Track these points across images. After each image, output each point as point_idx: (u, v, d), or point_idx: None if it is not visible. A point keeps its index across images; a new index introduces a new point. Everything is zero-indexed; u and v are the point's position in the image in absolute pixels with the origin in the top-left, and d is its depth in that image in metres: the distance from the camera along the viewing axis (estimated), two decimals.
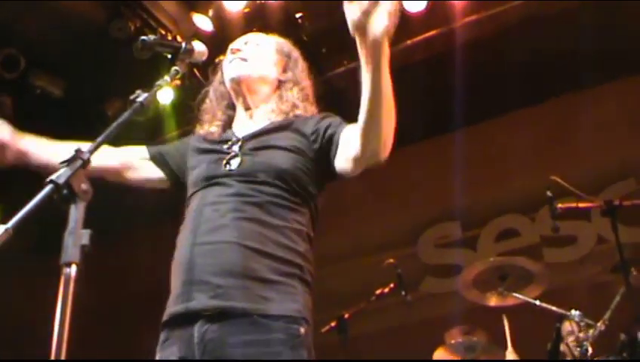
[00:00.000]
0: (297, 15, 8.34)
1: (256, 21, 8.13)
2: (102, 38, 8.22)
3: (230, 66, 3.61)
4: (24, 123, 8.80)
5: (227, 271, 3.04)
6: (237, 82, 3.56)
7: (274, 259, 3.10)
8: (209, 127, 3.65)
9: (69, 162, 2.31)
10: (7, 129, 3.46)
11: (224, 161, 3.38)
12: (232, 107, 3.70)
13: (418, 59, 8.53)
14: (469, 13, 8.12)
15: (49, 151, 3.50)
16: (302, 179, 3.29)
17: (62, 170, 2.28)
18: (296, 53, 3.82)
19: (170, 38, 8.46)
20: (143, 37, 3.23)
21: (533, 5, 8.02)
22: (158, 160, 3.63)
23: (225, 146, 3.45)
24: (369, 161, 3.16)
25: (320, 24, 8.48)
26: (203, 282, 3.05)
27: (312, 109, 3.62)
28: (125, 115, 2.79)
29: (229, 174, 3.31)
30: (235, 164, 3.34)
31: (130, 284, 9.78)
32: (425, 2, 8.02)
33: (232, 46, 3.67)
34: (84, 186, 2.28)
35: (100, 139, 2.56)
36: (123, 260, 9.65)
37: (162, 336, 3.16)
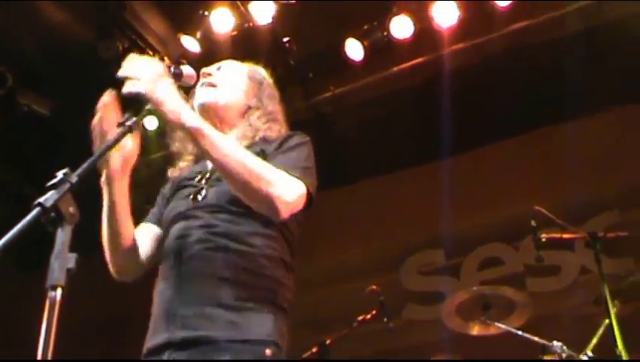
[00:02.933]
0: (285, 39, 8.38)
1: (244, 44, 8.16)
2: (90, 58, 8.21)
3: (199, 92, 3.61)
4: (10, 141, 8.80)
5: (195, 301, 3.05)
6: (205, 109, 3.53)
7: (243, 287, 3.09)
8: (179, 163, 3.67)
9: (56, 185, 2.30)
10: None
11: (192, 196, 3.39)
12: None
13: (404, 86, 8.57)
14: (456, 41, 8.16)
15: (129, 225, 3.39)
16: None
17: (49, 193, 2.27)
18: (268, 81, 3.83)
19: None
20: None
21: (520, 34, 8.07)
22: (157, 222, 3.61)
23: (195, 180, 3.46)
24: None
25: (307, 49, 8.52)
26: (172, 315, 3.07)
27: (279, 129, 3.62)
28: (113, 138, 2.79)
29: (197, 207, 3.31)
30: (201, 196, 3.36)
31: (121, 301, 9.72)
32: (412, 28, 8.07)
33: (204, 70, 3.67)
34: (71, 209, 2.27)
35: (88, 162, 2.55)
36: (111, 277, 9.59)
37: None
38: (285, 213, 3.13)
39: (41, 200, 2.25)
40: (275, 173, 3.16)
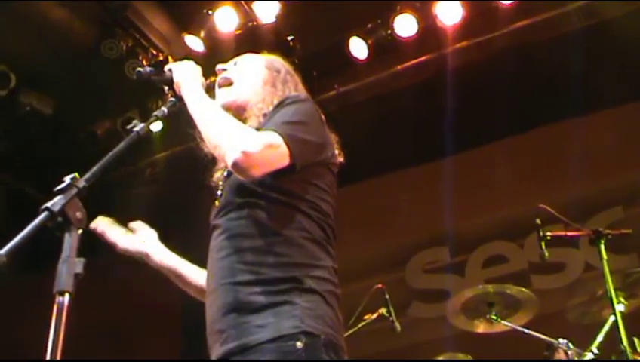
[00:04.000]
0: (289, 38, 8.38)
1: (248, 43, 8.15)
2: (93, 57, 8.23)
3: (218, 94, 3.59)
4: (12, 140, 8.81)
5: (226, 313, 3.03)
6: (225, 109, 3.46)
7: (265, 284, 3.01)
8: (214, 173, 3.63)
9: (63, 190, 2.31)
10: (154, 239, 3.80)
11: (215, 202, 3.42)
12: None
13: (408, 84, 8.57)
14: (459, 39, 8.16)
15: (190, 270, 3.75)
16: (266, 183, 3.14)
17: (57, 198, 2.28)
18: (286, 68, 3.75)
19: (161, 58, 8.47)
20: (139, 69, 3.28)
21: (523, 33, 8.07)
22: None
23: (221, 183, 3.47)
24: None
25: (311, 47, 8.52)
26: (214, 331, 3.08)
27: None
28: (121, 144, 2.81)
29: (217, 213, 3.31)
30: (218, 201, 3.39)
31: (130, 301, 9.74)
32: (415, 27, 8.07)
33: (219, 66, 3.67)
34: (78, 214, 2.28)
35: (96, 168, 2.55)
36: (124, 277, 9.62)
37: None
38: (246, 163, 3.01)
39: (48, 204, 2.25)
40: (242, 128, 3.16)
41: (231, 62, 3.72)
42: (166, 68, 3.42)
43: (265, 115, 3.41)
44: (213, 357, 3.08)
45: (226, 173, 3.43)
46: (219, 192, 3.43)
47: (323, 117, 3.41)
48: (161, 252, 3.74)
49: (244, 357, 2.92)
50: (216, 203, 3.38)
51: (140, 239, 3.76)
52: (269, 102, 3.48)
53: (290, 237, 3.12)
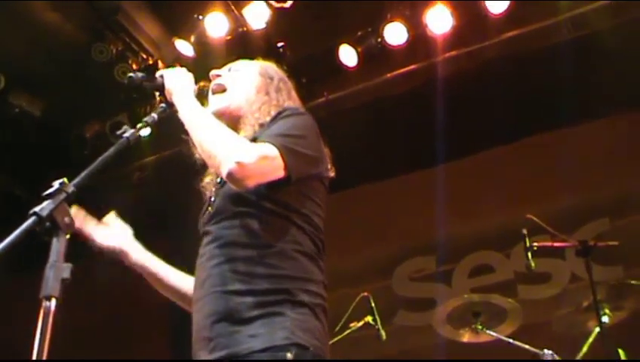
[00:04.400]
0: (279, 44, 8.38)
1: (238, 48, 8.16)
2: (83, 60, 8.23)
3: (211, 100, 3.58)
4: (1, 141, 8.78)
5: (215, 321, 3.02)
6: (219, 115, 3.46)
7: (256, 294, 3.01)
8: (204, 178, 3.63)
9: (52, 195, 2.31)
10: (129, 236, 3.72)
11: (206, 208, 3.41)
12: None
13: (397, 92, 8.58)
14: (450, 48, 8.18)
15: (169, 273, 3.72)
16: (261, 194, 3.14)
17: (45, 203, 2.28)
18: (279, 76, 3.75)
19: (151, 62, 8.48)
20: (131, 74, 3.30)
21: (513, 42, 8.10)
22: None
23: (214, 190, 3.44)
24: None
25: (301, 54, 8.53)
26: (201, 338, 3.07)
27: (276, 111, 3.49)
28: (111, 150, 2.82)
29: (209, 220, 3.31)
30: (211, 207, 3.36)
31: (119, 301, 9.72)
32: (405, 35, 8.09)
33: (213, 72, 3.67)
34: (66, 219, 2.28)
35: (85, 173, 2.56)
36: (112, 277, 9.60)
37: None
38: (240, 174, 3.02)
39: (36, 209, 2.26)
40: (236, 138, 3.18)
41: (225, 68, 3.72)
42: (158, 74, 3.41)
43: (261, 125, 3.40)
44: None
45: (218, 180, 3.41)
46: (211, 198, 3.41)
47: (318, 131, 3.41)
48: (138, 250, 3.68)
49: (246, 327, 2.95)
50: (209, 209, 3.36)
51: (114, 234, 3.67)
52: (265, 112, 3.48)
53: (283, 249, 3.13)
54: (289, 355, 2.89)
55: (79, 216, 3.50)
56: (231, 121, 3.47)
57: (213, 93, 3.59)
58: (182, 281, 3.60)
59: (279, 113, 3.39)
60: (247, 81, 3.62)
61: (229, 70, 3.70)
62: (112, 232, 3.67)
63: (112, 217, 3.75)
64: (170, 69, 3.46)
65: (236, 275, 3.07)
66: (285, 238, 3.15)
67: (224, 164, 3.02)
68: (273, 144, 3.08)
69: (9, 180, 9.74)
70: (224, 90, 3.58)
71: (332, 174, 3.51)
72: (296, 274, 3.10)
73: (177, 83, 3.37)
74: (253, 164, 3.01)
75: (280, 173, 3.09)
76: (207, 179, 3.60)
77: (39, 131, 9.25)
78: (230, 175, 3.02)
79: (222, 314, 3.01)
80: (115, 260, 3.62)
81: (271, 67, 3.80)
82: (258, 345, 2.91)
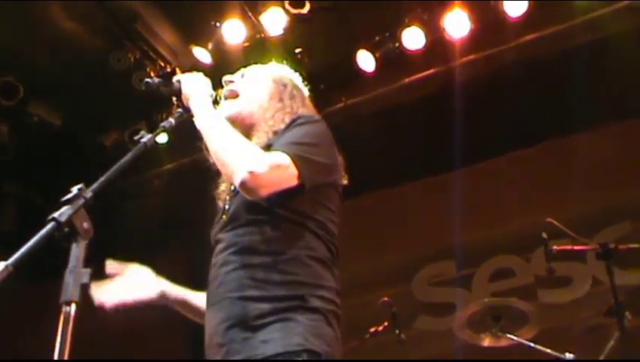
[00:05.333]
0: (297, 50, 8.38)
1: (255, 55, 8.16)
2: (101, 69, 8.25)
3: (223, 106, 3.58)
4: (20, 151, 8.83)
5: (229, 327, 3.04)
6: (230, 121, 3.45)
7: (271, 301, 3.02)
8: (218, 186, 3.64)
9: (70, 200, 2.31)
10: (152, 276, 3.70)
11: (221, 213, 3.42)
12: None
13: (415, 97, 8.58)
14: (467, 52, 8.17)
15: (198, 298, 3.66)
16: (276, 202, 3.14)
17: (64, 208, 2.28)
18: (293, 82, 3.75)
19: (169, 70, 8.49)
20: (148, 79, 3.28)
21: (531, 46, 8.08)
22: None
23: (228, 198, 3.44)
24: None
25: (319, 60, 8.52)
26: (214, 345, 3.09)
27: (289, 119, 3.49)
28: (128, 155, 2.81)
29: (223, 227, 3.31)
30: (226, 214, 3.36)
31: (128, 310, 9.71)
32: (423, 40, 8.08)
33: (226, 78, 3.67)
34: (85, 225, 2.28)
35: (103, 178, 2.56)
36: None
37: None
38: (252, 183, 3.03)
39: (55, 215, 2.26)
40: (250, 147, 3.17)
41: (238, 74, 3.73)
42: (175, 79, 3.40)
43: (275, 133, 3.40)
44: None
45: (232, 188, 3.39)
46: (226, 206, 3.40)
47: (332, 138, 3.41)
48: (171, 288, 3.69)
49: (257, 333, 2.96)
50: (223, 217, 3.36)
51: (142, 283, 3.64)
52: (279, 119, 3.48)
53: (297, 255, 3.14)
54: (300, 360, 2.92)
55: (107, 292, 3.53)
56: (243, 127, 3.48)
57: (226, 98, 3.60)
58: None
59: (293, 121, 3.39)
60: (260, 88, 3.63)
61: (242, 76, 3.70)
62: (138, 282, 3.64)
63: (133, 268, 3.69)
64: (187, 74, 3.45)
65: (250, 281, 3.08)
66: (299, 244, 3.17)
67: (237, 174, 3.03)
68: (286, 152, 3.10)
69: (29, 189, 9.78)
70: (237, 96, 3.59)
71: (345, 182, 3.51)
72: (309, 280, 3.12)
73: (194, 88, 3.36)
74: (265, 173, 3.02)
75: (293, 182, 3.10)
76: (221, 187, 3.61)
77: (58, 140, 9.28)
78: (243, 184, 3.03)
79: (235, 319, 3.03)
80: (157, 306, 3.61)
81: (284, 72, 3.81)
82: (271, 350, 2.93)
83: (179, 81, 3.39)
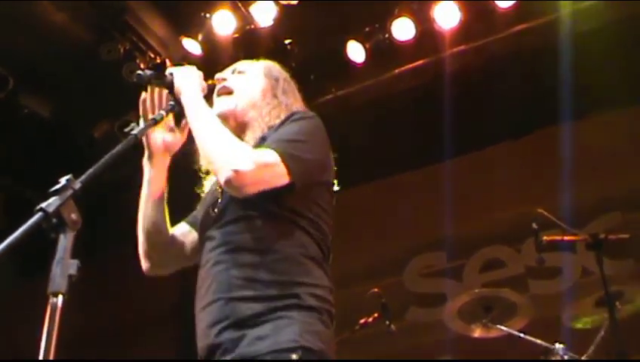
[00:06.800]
0: (286, 41, 8.38)
1: (246, 46, 8.16)
2: (91, 60, 8.22)
3: (216, 102, 3.56)
4: (10, 143, 8.79)
5: (223, 329, 3.03)
6: (223, 117, 3.44)
7: (264, 300, 3.03)
8: (206, 180, 3.66)
9: (59, 191, 2.30)
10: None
11: (212, 204, 3.39)
12: None
13: (405, 88, 8.58)
14: (457, 43, 8.17)
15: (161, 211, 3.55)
16: (268, 199, 3.14)
17: (52, 199, 2.27)
18: (284, 76, 3.75)
19: (159, 61, 8.47)
20: (139, 72, 3.25)
21: (521, 36, 8.08)
22: (192, 223, 3.63)
23: (219, 191, 3.41)
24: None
25: (309, 51, 8.51)
26: (207, 346, 3.08)
27: (285, 114, 3.52)
28: (118, 147, 2.79)
29: (214, 223, 3.30)
30: (219, 203, 3.35)
31: (120, 307, 9.72)
32: (413, 30, 8.08)
33: (218, 76, 3.64)
34: (73, 216, 2.27)
35: (92, 169, 2.54)
36: (113, 283, 9.61)
37: None
38: (238, 181, 3.03)
39: (43, 205, 2.24)
40: (237, 145, 3.15)
41: (229, 70, 3.71)
42: (167, 72, 3.37)
43: (270, 128, 3.41)
44: None
45: (220, 190, 3.40)
46: (218, 200, 3.37)
47: (326, 134, 3.41)
48: (163, 164, 3.54)
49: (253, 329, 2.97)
50: (214, 211, 3.35)
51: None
52: (274, 115, 3.49)
53: (290, 254, 3.14)
54: (294, 356, 2.91)
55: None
56: (237, 124, 3.49)
57: (219, 95, 3.57)
58: (161, 223, 3.51)
59: (288, 117, 3.40)
60: (253, 84, 3.62)
61: (234, 72, 3.69)
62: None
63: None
64: (179, 67, 3.43)
65: (243, 281, 3.08)
66: (292, 243, 3.17)
67: (222, 172, 3.05)
68: (276, 150, 3.09)
69: (18, 182, 9.75)
70: (230, 93, 3.57)
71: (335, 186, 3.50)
72: (304, 279, 3.12)
73: (186, 82, 3.32)
74: (251, 171, 3.02)
75: (284, 180, 3.09)
76: (210, 182, 3.62)
77: (48, 132, 9.26)
78: (228, 182, 3.04)
79: (229, 321, 3.03)
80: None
81: (275, 67, 3.80)
82: (265, 347, 2.93)
83: (171, 74, 3.35)
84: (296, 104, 3.65)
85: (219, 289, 3.11)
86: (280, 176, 3.08)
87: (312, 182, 3.27)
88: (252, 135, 3.43)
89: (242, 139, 3.35)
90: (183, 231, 3.60)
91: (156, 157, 3.48)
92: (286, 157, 3.08)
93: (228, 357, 2.98)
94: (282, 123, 3.37)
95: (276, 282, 3.06)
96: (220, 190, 3.39)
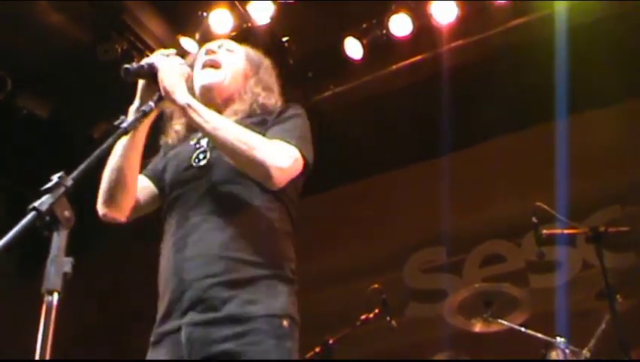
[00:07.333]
0: (284, 39, 8.37)
1: (243, 44, 8.15)
2: (89, 61, 8.21)
3: (203, 73, 3.63)
4: (9, 144, 8.79)
5: (213, 284, 3.11)
6: (209, 89, 3.58)
7: (254, 266, 3.18)
8: (173, 125, 3.69)
9: (51, 189, 2.30)
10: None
11: (193, 156, 3.44)
12: None
13: (403, 84, 8.58)
14: (455, 38, 8.17)
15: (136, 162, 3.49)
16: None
17: (44, 197, 2.27)
18: (266, 62, 3.90)
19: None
20: (127, 65, 3.23)
21: (518, 31, 8.07)
22: (151, 176, 3.65)
23: (192, 142, 3.52)
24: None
25: (306, 48, 8.52)
26: (187, 298, 3.14)
27: (276, 99, 3.70)
28: (109, 140, 2.81)
29: (198, 175, 3.37)
30: (203, 158, 3.41)
31: (115, 303, 9.72)
32: (410, 26, 8.07)
33: (208, 47, 3.72)
34: (66, 213, 2.27)
35: (83, 165, 2.54)
36: (108, 279, 9.60)
37: (153, 338, 3.27)
38: (280, 178, 3.22)
39: (36, 204, 2.25)
40: (267, 141, 3.27)
41: (214, 44, 3.77)
42: (149, 62, 3.32)
43: (259, 105, 3.57)
44: (170, 325, 3.17)
45: (205, 144, 3.47)
46: (199, 155, 3.44)
47: None
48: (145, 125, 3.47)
49: (239, 326, 3.05)
50: (197, 165, 3.41)
51: None
52: (255, 95, 3.62)
53: (278, 228, 3.37)
54: (285, 323, 3.14)
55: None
56: (222, 96, 3.62)
57: (205, 67, 3.64)
58: (136, 174, 3.48)
59: (285, 108, 3.56)
60: (237, 64, 3.73)
61: (220, 47, 3.75)
62: None
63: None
64: (161, 58, 3.35)
65: (235, 244, 3.20)
66: (279, 217, 3.40)
67: (268, 171, 3.18)
68: (296, 146, 3.32)
69: (17, 182, 9.74)
70: (218, 67, 3.64)
71: None
72: (287, 254, 3.37)
73: (174, 82, 3.25)
74: (289, 167, 3.26)
75: (299, 171, 3.36)
76: (175, 127, 3.69)
77: (46, 133, 9.25)
78: (274, 179, 3.20)
79: (221, 278, 3.13)
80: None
81: (256, 53, 3.95)
82: (258, 311, 3.09)
83: (150, 65, 3.30)
84: (275, 85, 3.82)
85: (210, 246, 3.20)
86: (299, 169, 3.35)
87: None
88: (232, 110, 3.56)
89: (222, 113, 3.47)
90: (143, 185, 3.60)
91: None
92: (303, 153, 3.35)
93: (219, 315, 3.07)
94: (280, 113, 3.52)
95: (267, 252, 3.25)
96: (203, 142, 3.48)
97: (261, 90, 3.65)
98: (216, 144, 3.26)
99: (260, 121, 3.47)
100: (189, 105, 3.23)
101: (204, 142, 3.48)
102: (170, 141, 3.71)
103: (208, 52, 3.68)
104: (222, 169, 3.33)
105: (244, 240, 3.21)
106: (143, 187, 3.59)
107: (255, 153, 3.16)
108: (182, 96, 3.24)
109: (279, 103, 3.69)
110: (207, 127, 3.21)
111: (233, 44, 3.84)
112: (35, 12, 7.96)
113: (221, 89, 3.59)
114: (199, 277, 3.13)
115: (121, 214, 3.50)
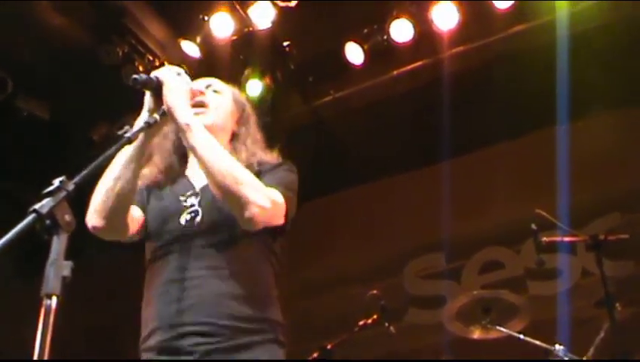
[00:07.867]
0: (285, 43, 8.38)
1: (244, 49, 8.16)
2: (90, 63, 8.22)
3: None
4: (9, 145, 8.79)
5: (209, 350, 3.13)
6: None
7: (254, 321, 3.24)
8: (155, 159, 3.62)
9: (52, 193, 2.29)
10: None
11: (183, 215, 3.40)
12: (178, 151, 3.66)
13: (404, 89, 8.57)
14: (456, 44, 8.17)
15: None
16: (266, 232, 3.35)
17: (45, 201, 2.26)
18: (249, 105, 3.87)
19: (157, 63, 8.46)
20: (135, 75, 3.22)
21: (519, 37, 8.07)
22: (140, 206, 3.55)
23: (182, 197, 3.46)
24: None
25: (307, 53, 8.52)
26: (177, 348, 3.16)
27: (272, 155, 3.66)
28: (112, 149, 2.80)
29: (194, 233, 3.33)
30: (194, 217, 3.37)
31: (107, 309, 9.70)
32: (411, 32, 8.07)
33: (196, 88, 3.58)
34: (67, 217, 2.26)
35: (86, 171, 2.53)
36: (100, 284, 9.59)
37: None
38: (259, 218, 3.16)
39: (36, 206, 2.24)
40: (256, 181, 3.23)
41: (203, 84, 3.72)
42: (155, 76, 3.28)
43: (260, 163, 3.52)
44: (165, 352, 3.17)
45: (198, 187, 3.47)
46: (188, 200, 3.44)
47: None
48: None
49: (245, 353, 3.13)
50: (190, 216, 3.39)
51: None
52: (256, 148, 3.63)
53: (270, 289, 3.41)
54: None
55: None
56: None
57: (193, 106, 3.48)
58: (135, 190, 3.38)
59: (282, 163, 3.58)
60: (224, 105, 3.69)
61: (207, 87, 3.71)
62: None
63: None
64: (167, 74, 3.31)
65: (234, 309, 3.20)
66: (270, 278, 3.43)
67: (250, 208, 3.14)
68: (281, 192, 3.31)
69: (18, 184, 9.73)
70: (205, 108, 3.58)
71: None
72: (278, 318, 3.37)
73: (178, 101, 3.24)
74: (270, 210, 3.21)
75: (281, 221, 3.35)
76: (157, 159, 3.63)
77: (47, 135, 9.25)
78: (253, 218, 3.16)
79: (216, 345, 3.13)
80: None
81: (241, 95, 3.92)
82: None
83: (157, 78, 3.26)
84: (261, 140, 3.76)
85: (208, 291, 3.21)
86: (281, 217, 3.33)
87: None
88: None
89: None
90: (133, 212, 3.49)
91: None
92: (287, 202, 3.34)
93: (225, 345, 3.12)
94: (276, 166, 3.53)
95: (261, 317, 3.27)
96: (193, 200, 3.45)
97: (260, 149, 3.65)
98: (205, 169, 3.20)
99: (256, 171, 3.42)
100: (188, 126, 3.20)
101: (194, 201, 3.43)
102: (149, 173, 3.59)
103: (195, 92, 3.51)
104: (217, 225, 3.32)
105: (242, 306, 3.22)
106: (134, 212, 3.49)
107: (241, 188, 3.13)
108: (183, 115, 3.21)
109: (275, 158, 3.66)
110: (201, 152, 3.19)
111: (221, 85, 3.78)
112: (37, 14, 7.97)
113: (209, 129, 3.38)
114: (193, 347, 3.14)
115: (110, 234, 3.40)
